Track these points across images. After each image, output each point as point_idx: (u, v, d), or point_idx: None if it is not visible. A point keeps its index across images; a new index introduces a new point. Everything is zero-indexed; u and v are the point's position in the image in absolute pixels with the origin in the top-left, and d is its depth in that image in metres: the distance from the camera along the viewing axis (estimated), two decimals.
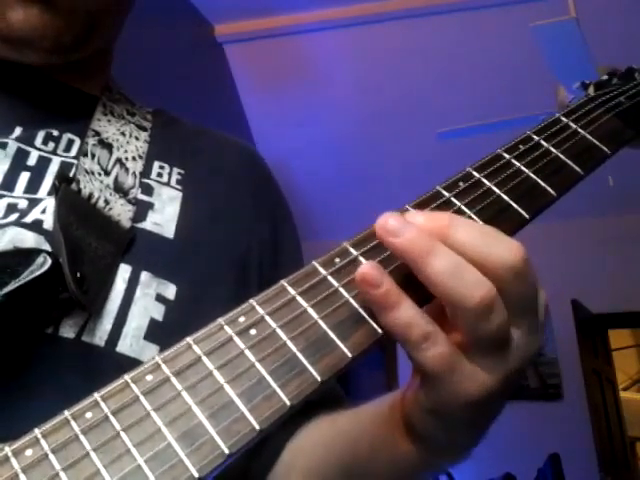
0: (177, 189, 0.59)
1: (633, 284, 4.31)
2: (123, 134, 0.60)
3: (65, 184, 0.50)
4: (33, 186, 0.51)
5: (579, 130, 0.48)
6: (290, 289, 0.36)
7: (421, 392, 0.38)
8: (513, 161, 0.44)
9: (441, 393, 0.36)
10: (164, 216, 0.55)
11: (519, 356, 0.37)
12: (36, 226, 0.48)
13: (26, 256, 0.43)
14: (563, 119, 0.49)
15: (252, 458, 0.55)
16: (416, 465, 0.42)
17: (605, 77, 0.57)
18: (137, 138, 0.61)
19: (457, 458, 0.43)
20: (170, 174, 0.60)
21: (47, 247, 0.46)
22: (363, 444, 0.46)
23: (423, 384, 0.37)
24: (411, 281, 0.36)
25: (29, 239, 0.46)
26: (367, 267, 0.35)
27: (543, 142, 0.46)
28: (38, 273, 0.41)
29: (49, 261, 0.42)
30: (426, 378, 0.37)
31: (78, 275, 0.44)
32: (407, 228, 0.35)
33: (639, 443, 5.41)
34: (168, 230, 0.55)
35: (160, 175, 0.59)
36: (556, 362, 4.45)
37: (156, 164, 0.60)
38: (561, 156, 0.45)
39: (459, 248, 0.35)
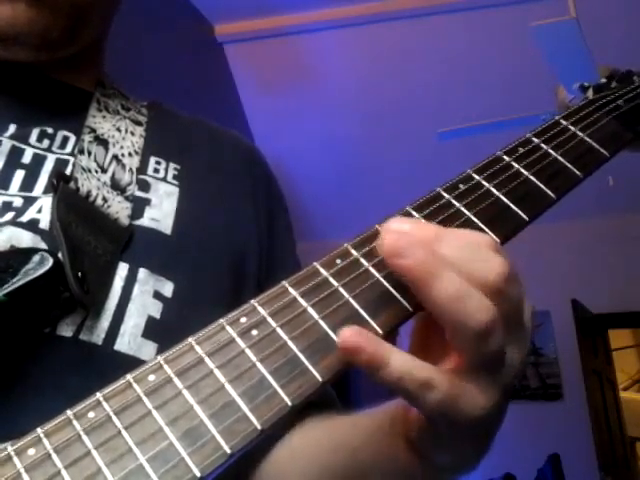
0: (174, 184, 0.58)
1: (633, 284, 4.32)
2: (119, 130, 0.59)
3: (63, 182, 0.49)
4: (28, 184, 0.51)
5: (578, 133, 0.48)
6: (291, 290, 0.36)
7: (423, 423, 0.37)
8: (513, 163, 0.44)
9: (443, 422, 0.36)
10: (161, 212, 0.55)
11: (512, 370, 0.37)
12: (32, 226, 0.47)
13: (27, 255, 0.43)
14: (562, 122, 0.49)
15: None
16: (420, 478, 0.42)
17: (604, 80, 0.58)
18: (133, 133, 0.60)
19: (463, 472, 0.42)
20: (166, 169, 0.59)
21: (44, 247, 0.46)
22: (364, 455, 0.45)
23: (424, 418, 0.37)
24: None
25: (25, 239, 0.46)
26: (347, 335, 0.33)
27: (542, 145, 0.46)
28: (40, 272, 0.41)
29: (50, 260, 0.42)
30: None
31: (79, 274, 0.44)
32: (413, 250, 0.34)
33: (639, 443, 5.41)
34: (165, 226, 0.54)
35: (157, 171, 0.59)
36: (556, 362, 4.45)
37: (152, 160, 0.59)
38: (560, 159, 0.45)
39: (447, 261, 0.35)
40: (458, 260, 0.35)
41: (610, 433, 4.22)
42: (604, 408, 4.25)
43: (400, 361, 0.34)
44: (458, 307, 0.33)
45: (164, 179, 0.58)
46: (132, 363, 0.34)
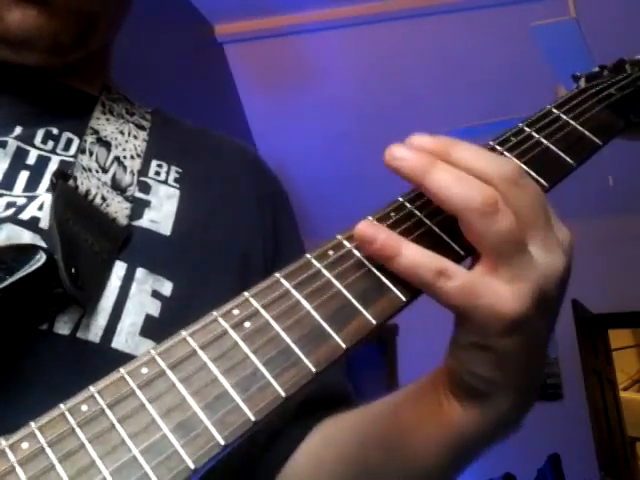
0: (175, 187, 0.59)
1: (633, 284, 4.31)
2: (122, 133, 0.60)
3: (62, 180, 0.50)
4: (32, 185, 0.51)
5: (570, 122, 0.48)
6: (284, 281, 0.36)
7: (460, 332, 0.38)
8: (505, 153, 0.44)
9: (476, 322, 0.36)
10: (161, 213, 0.55)
11: (542, 272, 0.37)
12: (32, 224, 0.48)
13: (21, 252, 0.43)
14: (554, 111, 0.49)
15: (264, 452, 0.54)
16: (467, 431, 0.42)
17: (596, 69, 0.58)
18: (136, 137, 0.61)
19: (511, 417, 0.42)
20: (168, 172, 0.60)
21: (43, 245, 0.46)
22: (407, 414, 0.46)
23: (458, 323, 0.38)
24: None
25: (24, 238, 0.47)
26: (361, 225, 0.37)
27: (534, 134, 0.46)
28: (33, 268, 0.41)
29: (44, 256, 0.42)
30: (457, 315, 0.37)
31: (73, 271, 0.44)
32: (410, 152, 0.37)
33: (639, 443, 5.41)
34: (165, 227, 0.55)
35: (158, 173, 0.59)
36: (556, 362, 4.45)
37: (154, 163, 0.60)
38: (552, 147, 0.45)
39: (460, 165, 0.37)
40: (471, 159, 0.38)
41: (610, 433, 4.22)
42: (604, 408, 4.25)
43: (413, 251, 0.36)
44: (456, 190, 0.36)
45: (165, 182, 0.59)
46: (129, 361, 0.34)
